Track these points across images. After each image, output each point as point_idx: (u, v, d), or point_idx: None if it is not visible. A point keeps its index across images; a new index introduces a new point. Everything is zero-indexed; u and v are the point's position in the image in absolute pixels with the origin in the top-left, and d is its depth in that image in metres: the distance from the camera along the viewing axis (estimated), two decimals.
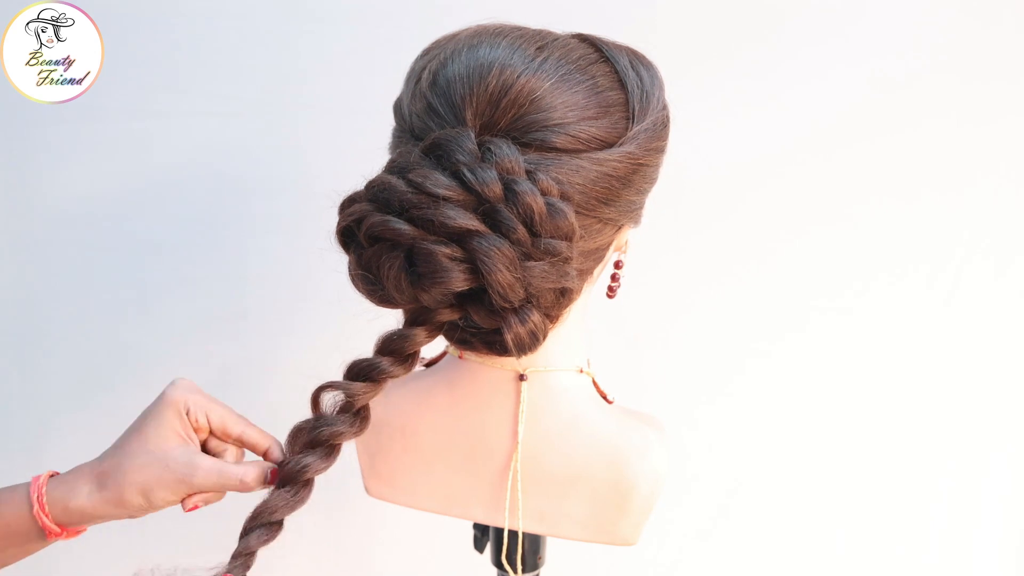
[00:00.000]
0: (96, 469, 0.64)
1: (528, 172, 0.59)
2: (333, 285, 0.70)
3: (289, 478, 0.63)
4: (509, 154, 0.58)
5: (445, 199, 0.57)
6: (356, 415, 0.64)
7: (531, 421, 0.69)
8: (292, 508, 0.63)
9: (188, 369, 1.16)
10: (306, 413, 1.16)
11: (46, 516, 0.63)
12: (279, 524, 0.63)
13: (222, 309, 1.15)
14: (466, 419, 0.71)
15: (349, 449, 0.75)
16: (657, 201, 0.71)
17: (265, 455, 0.68)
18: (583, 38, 0.67)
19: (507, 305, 0.59)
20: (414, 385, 0.74)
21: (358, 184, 0.60)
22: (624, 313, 1.04)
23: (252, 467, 0.65)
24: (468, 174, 0.57)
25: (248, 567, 0.63)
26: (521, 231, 0.57)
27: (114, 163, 1.10)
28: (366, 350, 0.64)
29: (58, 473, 0.66)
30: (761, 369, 1.21)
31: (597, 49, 0.66)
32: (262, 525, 0.62)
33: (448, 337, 0.67)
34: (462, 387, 0.71)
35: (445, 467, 0.73)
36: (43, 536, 0.65)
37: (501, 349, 0.62)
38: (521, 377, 0.69)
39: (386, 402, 0.73)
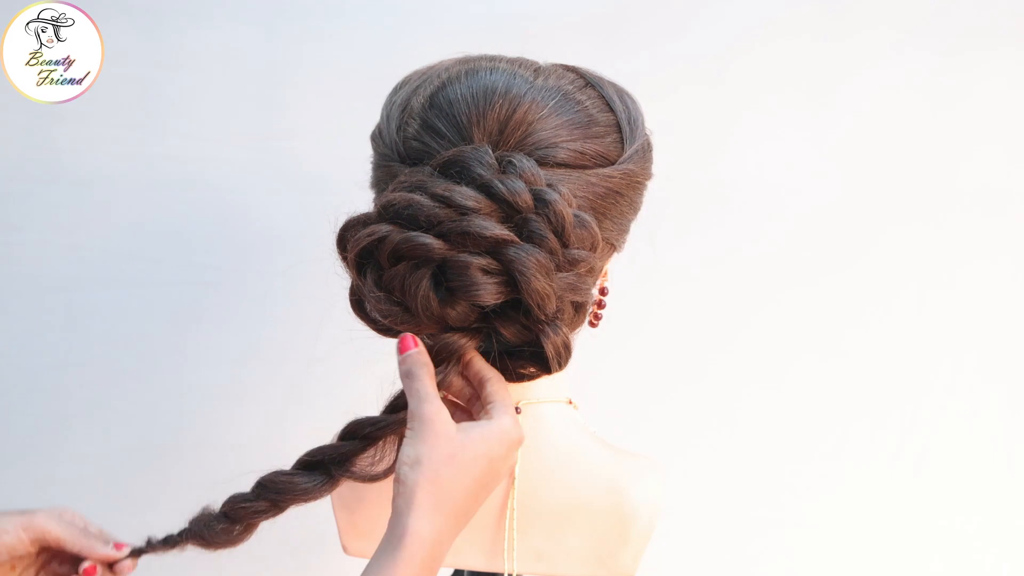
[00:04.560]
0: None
1: (549, 185, 0.59)
2: (334, 289, 0.69)
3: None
4: (531, 167, 0.58)
5: (474, 211, 0.56)
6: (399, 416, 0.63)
7: (527, 455, 0.67)
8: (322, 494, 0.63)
9: (188, 369, 1.16)
10: (309, 415, 1.15)
11: None
12: (280, 508, 0.63)
13: (222, 309, 1.15)
14: None
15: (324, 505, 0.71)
16: (663, 220, 0.70)
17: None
18: (567, 68, 0.68)
19: (543, 316, 0.58)
20: None
21: (353, 195, 0.60)
22: (621, 339, 1.03)
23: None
24: (499, 185, 0.57)
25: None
26: (552, 240, 0.57)
27: (114, 163, 1.10)
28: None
29: None
30: (760, 388, 1.20)
31: (582, 76, 0.67)
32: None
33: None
34: None
35: None
36: None
37: (523, 371, 0.62)
38: (516, 410, 0.67)
39: None
